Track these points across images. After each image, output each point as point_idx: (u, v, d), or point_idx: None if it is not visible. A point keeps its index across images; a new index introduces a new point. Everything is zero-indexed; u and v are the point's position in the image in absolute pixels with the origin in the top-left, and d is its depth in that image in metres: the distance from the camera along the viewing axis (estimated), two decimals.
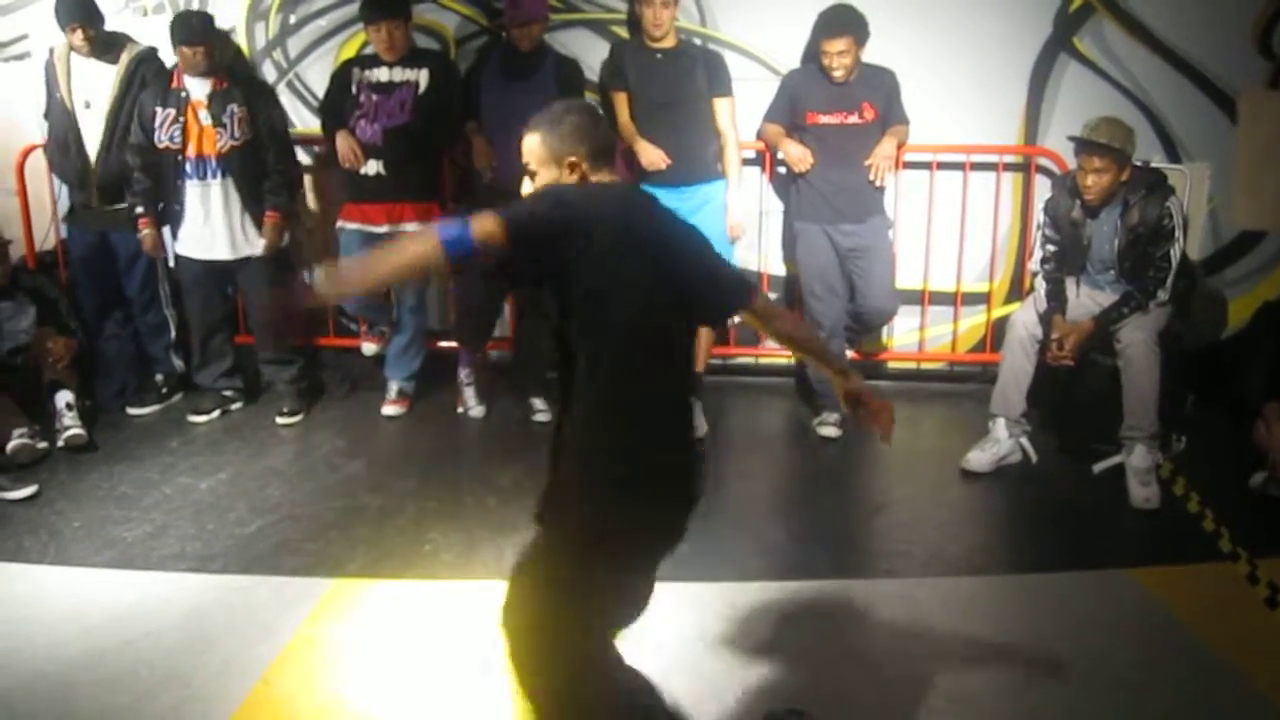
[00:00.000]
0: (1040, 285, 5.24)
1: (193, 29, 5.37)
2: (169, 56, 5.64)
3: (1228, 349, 6.00)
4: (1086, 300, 5.17)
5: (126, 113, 5.54)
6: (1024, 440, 5.30)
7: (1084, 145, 4.92)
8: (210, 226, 5.52)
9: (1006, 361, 5.28)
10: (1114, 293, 5.10)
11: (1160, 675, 3.65)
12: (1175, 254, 4.98)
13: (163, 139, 5.44)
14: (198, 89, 5.45)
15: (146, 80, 5.55)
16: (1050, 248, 5.20)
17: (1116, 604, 4.12)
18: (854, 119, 5.41)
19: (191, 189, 5.49)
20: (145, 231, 5.59)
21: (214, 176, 5.47)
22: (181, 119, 5.43)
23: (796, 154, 5.45)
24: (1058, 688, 3.57)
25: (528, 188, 2.87)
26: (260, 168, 5.56)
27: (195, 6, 6.06)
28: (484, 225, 2.53)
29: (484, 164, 5.53)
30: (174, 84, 5.48)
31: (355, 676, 3.58)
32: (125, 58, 5.58)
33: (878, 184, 5.45)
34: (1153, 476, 4.96)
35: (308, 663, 3.65)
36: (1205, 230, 6.04)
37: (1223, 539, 4.60)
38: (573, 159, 2.79)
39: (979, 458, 5.24)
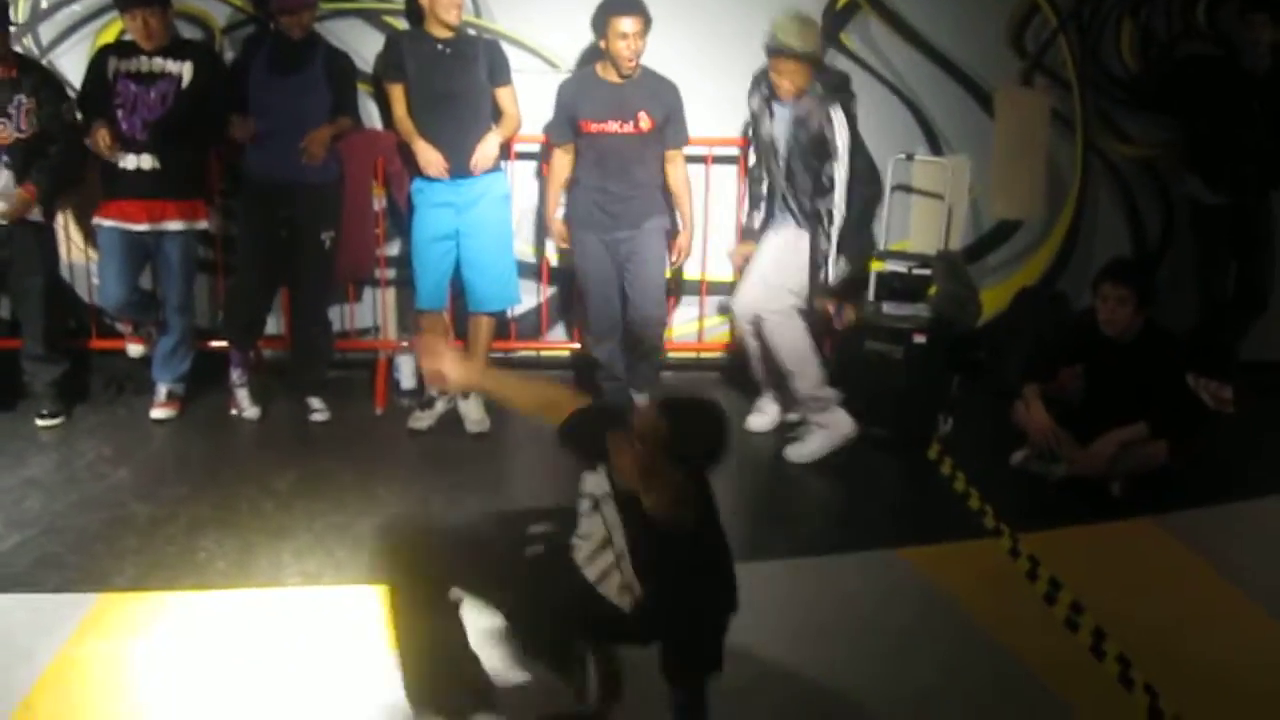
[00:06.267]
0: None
1: None
2: None
3: (989, 333, 6.28)
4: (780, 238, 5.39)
5: None
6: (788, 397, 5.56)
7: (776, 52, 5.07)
8: None
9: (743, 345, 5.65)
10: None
11: (927, 650, 3.82)
12: (842, 173, 5.12)
13: None
14: None
15: None
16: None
17: (887, 582, 4.27)
18: (629, 128, 5.31)
19: None
20: None
21: None
22: None
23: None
24: (830, 668, 3.68)
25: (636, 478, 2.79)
26: (38, 155, 5.26)
27: None
28: None
29: (243, 134, 5.31)
30: None
31: (123, 696, 3.44)
32: None
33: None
34: (815, 439, 5.35)
35: (73, 683, 3.48)
36: (967, 220, 6.29)
37: (987, 516, 4.82)
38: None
39: (758, 421, 5.67)
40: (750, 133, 5.50)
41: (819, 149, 5.09)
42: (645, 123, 5.30)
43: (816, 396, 5.30)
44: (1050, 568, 4.35)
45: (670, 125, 5.39)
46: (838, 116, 5.04)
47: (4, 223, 5.24)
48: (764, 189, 5.41)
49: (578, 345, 6.24)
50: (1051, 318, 6.19)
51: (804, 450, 5.32)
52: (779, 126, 5.22)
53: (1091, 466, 5.00)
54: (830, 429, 5.33)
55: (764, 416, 5.70)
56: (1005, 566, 4.45)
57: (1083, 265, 6.47)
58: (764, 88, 5.23)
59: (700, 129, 5.73)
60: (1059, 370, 5.19)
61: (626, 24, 5.12)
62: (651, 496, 2.76)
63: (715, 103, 5.84)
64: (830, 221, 5.12)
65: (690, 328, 6.39)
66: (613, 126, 5.29)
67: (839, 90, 5.14)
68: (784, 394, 5.55)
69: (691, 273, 6.21)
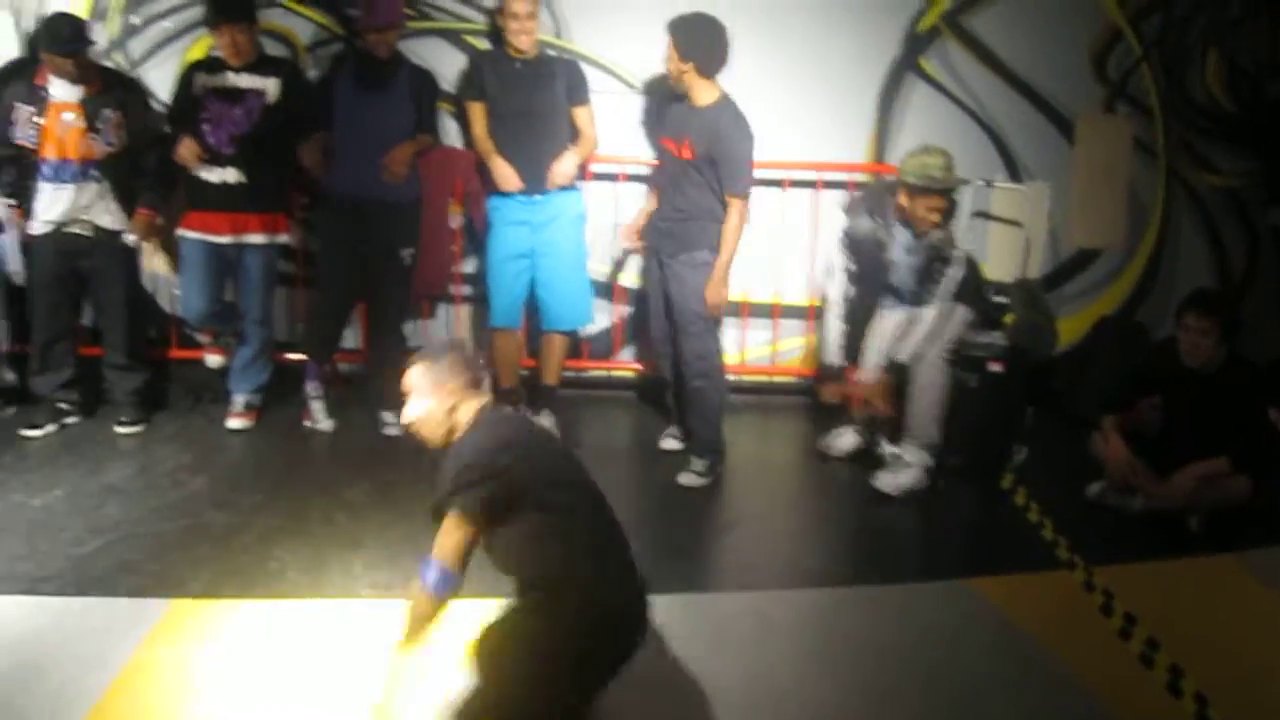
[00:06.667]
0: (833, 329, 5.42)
1: (62, 38, 5.07)
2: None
3: (1066, 363, 6.20)
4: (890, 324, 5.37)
5: None
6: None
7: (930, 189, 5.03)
8: (67, 216, 5.28)
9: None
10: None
11: (998, 682, 3.76)
12: (953, 274, 5.17)
13: (18, 136, 5.18)
14: (64, 91, 5.19)
15: None
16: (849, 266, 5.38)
17: (958, 612, 4.22)
18: (675, 151, 5.13)
19: (47, 190, 5.24)
20: (18, 222, 5.36)
21: (73, 181, 5.23)
22: (40, 119, 5.18)
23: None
24: (901, 696, 3.65)
25: (412, 412, 3.26)
26: (135, 170, 5.34)
27: (35, 3, 5.84)
28: (452, 543, 3.02)
29: (314, 165, 5.40)
30: (38, 80, 5.20)
31: (195, 701, 3.47)
32: None
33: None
34: (908, 472, 5.25)
35: (145, 688, 3.52)
36: (1045, 247, 6.22)
37: (1060, 548, 4.75)
38: (450, 387, 3.21)
39: (835, 444, 5.66)
40: (847, 252, 5.33)
41: (940, 260, 5.14)
42: (686, 151, 5.07)
43: (932, 439, 5.27)
44: (1125, 602, 4.27)
45: (720, 166, 5.03)
46: (959, 235, 5.18)
47: (88, 234, 5.34)
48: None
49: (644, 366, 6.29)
50: (1130, 348, 6.10)
51: (896, 481, 5.24)
52: (899, 249, 5.22)
53: (1170, 500, 4.92)
54: (920, 471, 5.30)
55: (842, 440, 5.66)
56: (1079, 599, 4.38)
57: (1164, 295, 6.39)
58: (881, 215, 5.20)
59: (775, 154, 5.75)
60: (1137, 401, 5.11)
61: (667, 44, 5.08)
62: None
63: (789, 128, 5.84)
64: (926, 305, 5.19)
65: (763, 351, 6.37)
66: (670, 145, 5.17)
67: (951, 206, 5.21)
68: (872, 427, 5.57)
69: (764, 296, 6.20)
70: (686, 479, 5.29)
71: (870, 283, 5.32)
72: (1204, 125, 6.31)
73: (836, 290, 5.36)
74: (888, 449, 5.37)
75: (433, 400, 3.22)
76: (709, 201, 5.10)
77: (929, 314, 5.15)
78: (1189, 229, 6.44)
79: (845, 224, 5.32)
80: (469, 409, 3.22)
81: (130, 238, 5.36)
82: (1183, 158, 6.33)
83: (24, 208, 5.33)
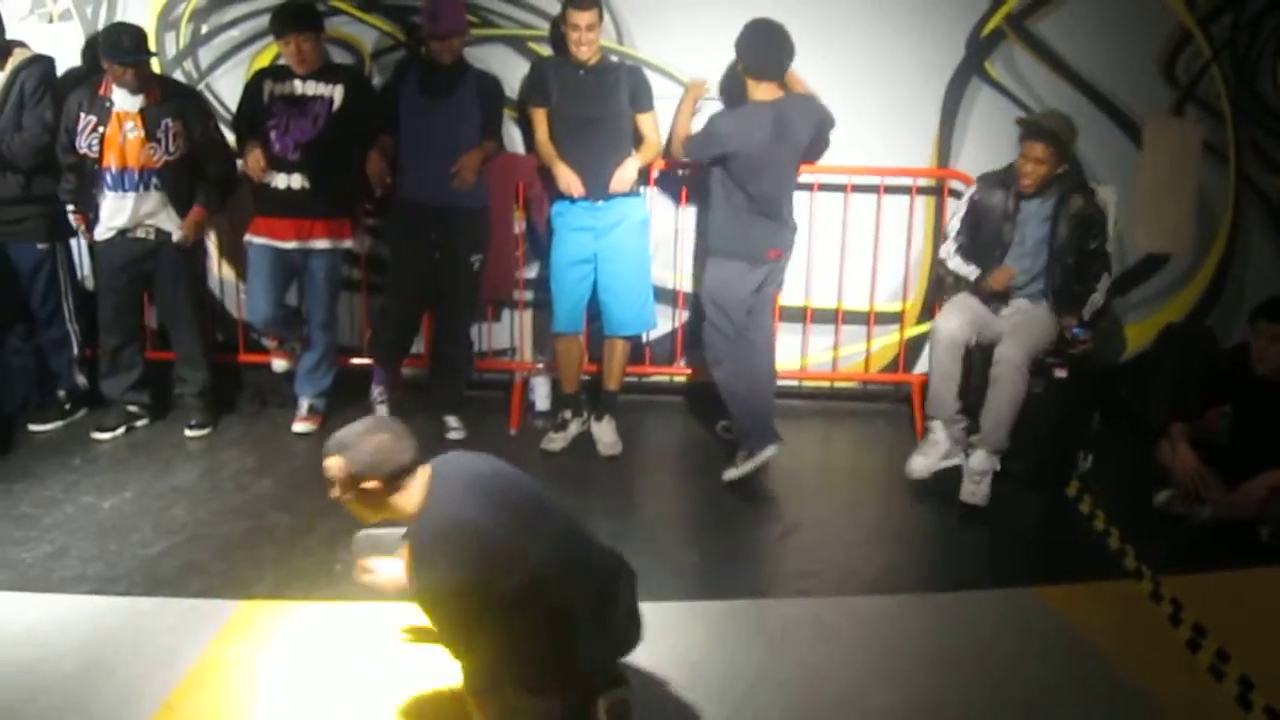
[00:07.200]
0: (956, 262, 5.41)
1: (123, 48, 5.17)
2: (63, 63, 5.58)
3: (1133, 369, 6.12)
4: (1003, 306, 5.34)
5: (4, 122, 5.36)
6: (958, 432, 5.39)
7: (1030, 130, 5.14)
8: (131, 223, 5.38)
9: (935, 367, 5.35)
10: (1031, 291, 5.30)
11: (1064, 693, 3.72)
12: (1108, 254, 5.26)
13: (82, 145, 5.29)
14: (126, 101, 5.28)
15: (26, 89, 5.34)
16: (961, 239, 5.43)
17: (1023, 621, 4.18)
18: None
19: (111, 198, 5.34)
20: (83, 228, 5.52)
21: (135, 189, 5.33)
22: (102, 128, 5.28)
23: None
24: (964, 706, 3.63)
25: (339, 497, 3.10)
26: (196, 177, 5.44)
27: (105, 14, 5.94)
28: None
29: (377, 179, 5.48)
30: (101, 91, 5.30)
31: (260, 701, 3.52)
32: (9, 66, 5.36)
33: None
34: (986, 479, 5.13)
35: (211, 688, 3.57)
36: (1112, 253, 6.14)
37: (1127, 557, 4.69)
38: (370, 484, 3.00)
39: (922, 463, 5.34)
40: (965, 224, 5.44)
41: (1083, 229, 5.17)
42: None
43: (1003, 446, 5.20)
44: (1194, 613, 4.21)
45: None
46: (1100, 198, 5.24)
47: (151, 237, 5.43)
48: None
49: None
50: (1198, 355, 6.00)
51: (983, 492, 5.14)
52: (1031, 222, 5.25)
53: (1239, 510, 4.83)
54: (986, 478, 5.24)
55: (927, 459, 5.38)
56: (1146, 609, 4.32)
57: (1233, 302, 6.27)
58: (1006, 188, 5.26)
59: (838, 158, 5.74)
60: (1207, 409, 5.03)
61: None
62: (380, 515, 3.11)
63: (852, 132, 5.82)
64: (1090, 292, 5.24)
65: (825, 357, 6.34)
66: None
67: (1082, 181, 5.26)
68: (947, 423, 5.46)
69: (828, 301, 6.18)
70: (728, 474, 5.28)
71: (983, 256, 5.33)
72: (1276, 128, 6.20)
73: (948, 251, 5.46)
74: (964, 462, 5.30)
75: (352, 496, 3.06)
76: (717, 202, 5.25)
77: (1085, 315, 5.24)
78: (1259, 235, 6.32)
79: (975, 191, 5.39)
80: (411, 496, 3.09)
81: (177, 235, 5.43)
82: (1253, 162, 6.22)
83: (86, 214, 5.44)
